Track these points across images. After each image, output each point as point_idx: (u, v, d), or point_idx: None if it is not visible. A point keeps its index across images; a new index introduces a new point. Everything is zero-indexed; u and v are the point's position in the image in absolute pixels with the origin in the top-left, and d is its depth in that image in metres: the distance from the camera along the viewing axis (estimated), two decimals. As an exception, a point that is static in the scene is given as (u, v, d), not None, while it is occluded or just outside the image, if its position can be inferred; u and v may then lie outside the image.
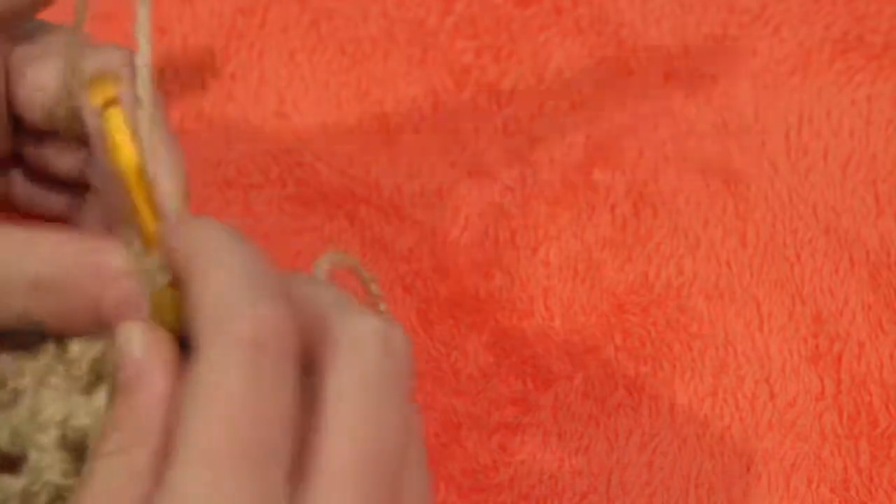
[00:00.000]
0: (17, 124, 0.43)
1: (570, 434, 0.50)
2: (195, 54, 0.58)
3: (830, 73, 0.58)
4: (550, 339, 0.52)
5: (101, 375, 0.36)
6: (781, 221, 0.55)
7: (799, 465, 0.50)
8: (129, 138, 0.36)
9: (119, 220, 0.39)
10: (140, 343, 0.34)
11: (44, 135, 0.44)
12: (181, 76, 0.57)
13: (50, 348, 0.37)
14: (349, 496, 0.32)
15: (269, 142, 0.56)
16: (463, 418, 0.50)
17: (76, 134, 0.42)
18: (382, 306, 0.42)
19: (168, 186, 0.38)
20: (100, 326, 0.36)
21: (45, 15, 0.44)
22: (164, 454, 0.33)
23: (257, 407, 0.32)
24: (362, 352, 0.34)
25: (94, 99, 0.36)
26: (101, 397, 0.36)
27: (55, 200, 0.46)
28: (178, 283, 0.35)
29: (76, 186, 0.45)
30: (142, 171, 0.36)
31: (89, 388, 0.36)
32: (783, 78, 0.58)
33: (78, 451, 0.36)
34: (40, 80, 0.42)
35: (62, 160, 0.44)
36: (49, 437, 0.36)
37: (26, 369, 0.37)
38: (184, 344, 0.35)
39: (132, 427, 0.33)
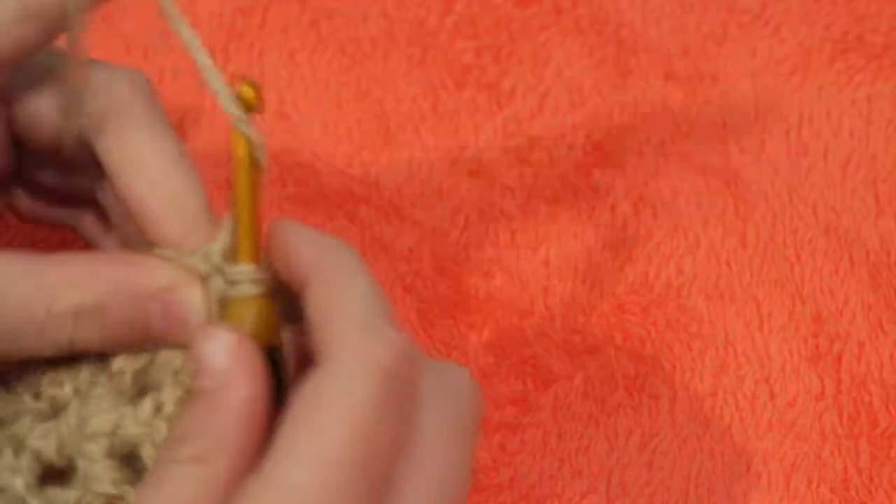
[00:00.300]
0: (19, 145, 0.43)
1: (570, 434, 0.50)
2: (195, 54, 0.58)
3: (830, 73, 0.58)
4: (550, 339, 0.52)
5: (144, 388, 0.36)
6: (781, 221, 0.55)
7: (799, 465, 0.50)
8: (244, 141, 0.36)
9: (135, 244, 0.39)
10: (225, 350, 0.35)
11: (47, 156, 0.43)
12: (181, 76, 0.57)
13: (91, 360, 0.37)
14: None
15: (269, 142, 0.56)
16: (463, 418, 0.50)
17: (80, 157, 0.41)
18: None
19: None
20: (150, 344, 0.36)
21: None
22: (248, 466, 0.33)
23: (379, 429, 0.33)
24: (458, 394, 0.35)
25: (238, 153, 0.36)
26: (147, 408, 0.36)
27: (60, 213, 0.46)
28: (279, 293, 0.36)
29: (82, 201, 0.45)
30: (254, 179, 0.36)
31: (134, 399, 0.36)
32: (783, 78, 0.58)
33: (126, 460, 0.36)
34: (41, 105, 0.41)
35: (67, 180, 0.44)
36: (99, 447, 0.36)
37: (65, 380, 0.37)
38: (270, 356, 0.35)
39: (214, 435, 0.33)
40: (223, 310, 0.36)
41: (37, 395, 0.37)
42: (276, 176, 0.55)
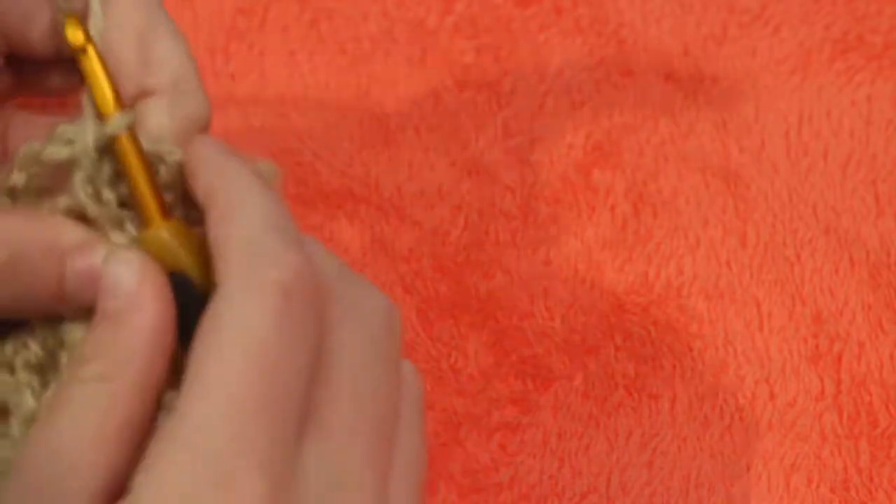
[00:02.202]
0: (13, 56, 0.42)
1: (570, 434, 0.50)
2: (195, 54, 0.58)
3: (830, 73, 0.58)
4: (550, 339, 0.52)
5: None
6: (781, 221, 0.55)
7: (799, 465, 0.50)
8: (107, 90, 0.36)
9: None
10: (131, 272, 0.34)
11: (44, 62, 0.42)
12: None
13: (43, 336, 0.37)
14: (350, 451, 0.33)
15: (269, 142, 0.56)
16: (463, 418, 0.50)
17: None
18: None
19: (166, 119, 0.37)
20: (63, 304, 0.36)
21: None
22: (154, 386, 0.33)
23: (282, 354, 0.32)
24: (370, 317, 0.34)
25: (71, 40, 0.36)
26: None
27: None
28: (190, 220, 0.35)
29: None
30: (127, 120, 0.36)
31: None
32: (783, 78, 0.58)
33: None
34: (31, 6, 0.39)
35: (68, 81, 0.43)
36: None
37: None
38: (185, 283, 0.35)
39: (118, 355, 0.33)
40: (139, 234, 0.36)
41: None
42: (276, 176, 0.55)
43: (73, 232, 0.36)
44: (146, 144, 0.36)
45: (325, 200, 0.55)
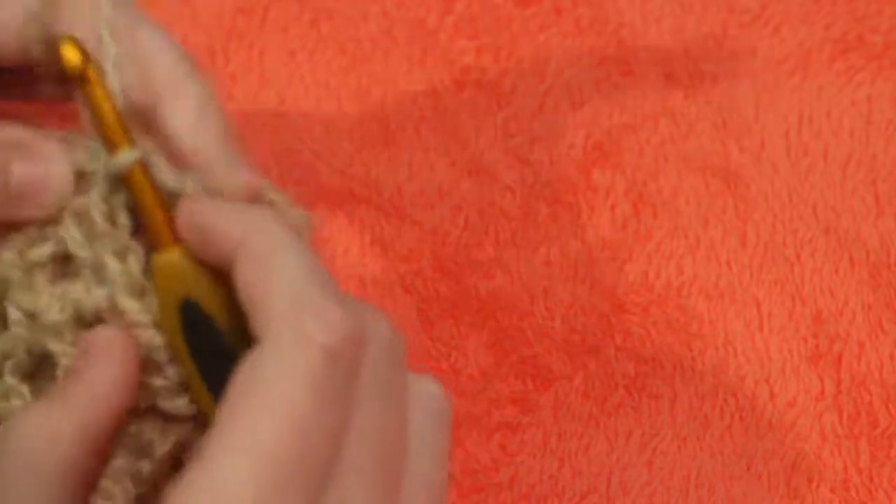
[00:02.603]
0: None
1: (570, 434, 0.50)
2: (195, 54, 0.58)
3: (830, 73, 0.58)
4: (550, 339, 0.52)
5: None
6: (781, 221, 0.55)
7: (799, 465, 0.50)
8: (112, 121, 0.36)
9: None
10: (98, 337, 0.34)
11: (18, 69, 0.41)
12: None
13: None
14: (370, 496, 0.32)
15: (269, 142, 0.56)
16: (463, 418, 0.50)
17: (55, 66, 0.40)
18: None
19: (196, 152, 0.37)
20: (8, 208, 0.36)
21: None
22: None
23: (321, 420, 0.31)
24: (377, 351, 0.33)
25: (69, 64, 0.36)
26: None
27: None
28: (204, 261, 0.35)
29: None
30: (144, 167, 0.36)
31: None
32: (783, 78, 0.58)
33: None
34: (8, 15, 0.38)
35: (42, 90, 0.42)
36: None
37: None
38: (196, 310, 0.34)
39: (69, 397, 0.33)
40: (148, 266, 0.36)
41: None
42: (277, 176, 0.55)
43: (24, 132, 0.35)
44: (165, 177, 0.36)
45: (325, 200, 0.55)
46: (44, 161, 0.36)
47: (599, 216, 0.55)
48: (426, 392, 0.35)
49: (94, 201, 0.36)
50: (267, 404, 0.31)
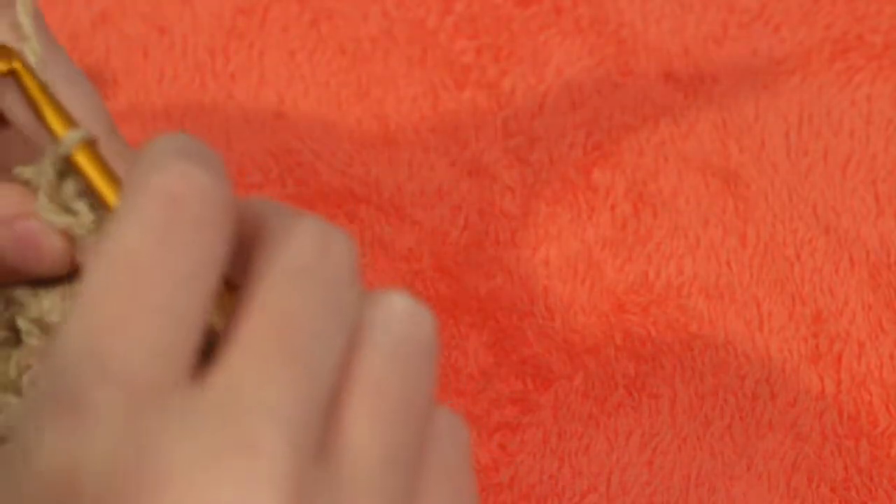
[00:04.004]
0: None
1: (570, 434, 0.50)
2: (195, 54, 0.58)
3: (830, 73, 0.58)
4: (550, 339, 0.52)
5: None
6: (781, 221, 0.55)
7: (799, 465, 0.50)
8: (48, 112, 0.36)
9: None
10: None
11: None
12: (181, 76, 0.57)
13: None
14: (265, 370, 0.29)
15: (269, 142, 0.56)
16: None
17: None
18: None
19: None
20: (4, 275, 0.36)
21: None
22: None
23: (163, 263, 0.29)
24: (296, 243, 0.31)
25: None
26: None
27: None
28: None
29: None
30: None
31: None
32: (783, 78, 0.58)
33: None
34: None
35: None
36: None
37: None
38: None
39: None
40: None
41: None
42: (276, 176, 0.55)
43: (10, 199, 0.35)
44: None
45: (325, 200, 0.55)
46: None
47: (599, 216, 0.55)
48: (456, 423, 0.33)
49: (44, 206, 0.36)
50: (103, 262, 0.29)
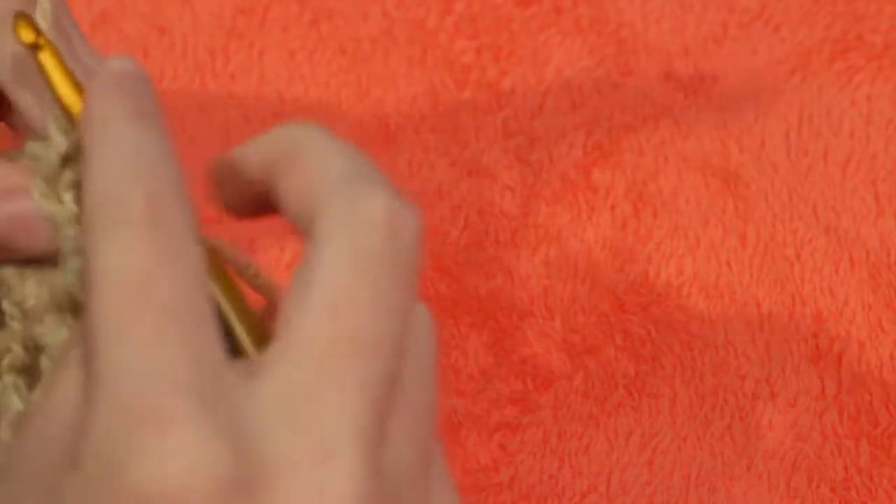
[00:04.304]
0: None
1: (570, 434, 0.50)
2: (195, 54, 0.58)
3: (830, 73, 0.58)
4: (550, 339, 0.52)
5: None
6: (781, 221, 0.55)
7: (799, 465, 0.50)
8: (67, 86, 0.35)
9: None
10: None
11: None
12: (181, 76, 0.57)
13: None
14: (323, 374, 0.29)
15: (269, 142, 0.56)
16: (463, 418, 0.50)
17: None
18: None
19: None
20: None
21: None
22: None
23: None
24: (360, 230, 0.30)
25: (23, 39, 0.36)
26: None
27: None
28: None
29: None
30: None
31: None
32: (783, 78, 0.58)
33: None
34: None
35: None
36: None
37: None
38: None
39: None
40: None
41: None
42: (276, 176, 0.55)
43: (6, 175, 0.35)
44: None
45: (325, 200, 0.55)
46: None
47: (599, 216, 0.55)
48: (420, 309, 0.33)
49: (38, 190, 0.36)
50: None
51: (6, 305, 0.36)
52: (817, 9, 0.60)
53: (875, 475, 0.50)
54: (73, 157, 0.36)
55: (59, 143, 0.35)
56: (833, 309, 0.53)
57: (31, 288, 0.36)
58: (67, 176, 0.36)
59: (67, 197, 0.36)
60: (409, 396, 0.31)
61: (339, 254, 0.30)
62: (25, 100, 0.38)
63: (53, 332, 0.35)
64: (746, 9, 0.60)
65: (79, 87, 0.35)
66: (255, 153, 0.33)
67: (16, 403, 0.36)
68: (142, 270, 0.29)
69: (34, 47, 0.36)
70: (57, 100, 0.36)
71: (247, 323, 0.33)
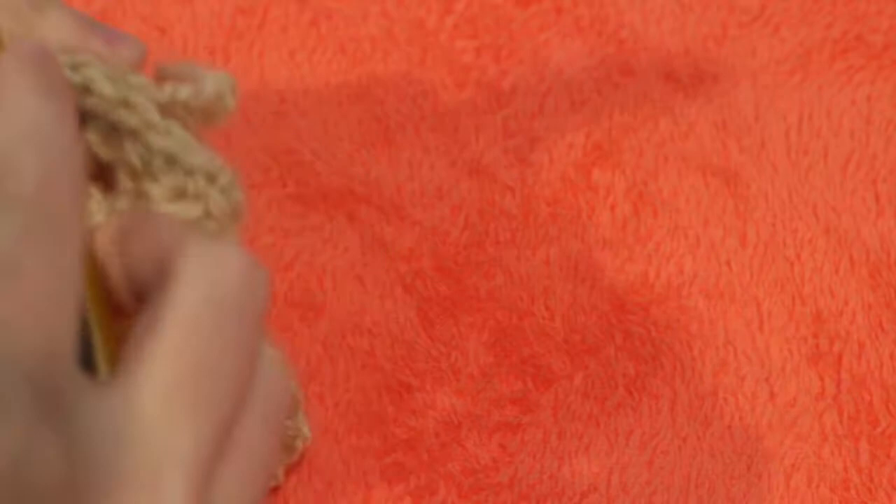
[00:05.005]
0: None
1: (570, 434, 0.50)
2: (195, 54, 0.58)
3: (830, 73, 0.58)
4: (550, 339, 0.52)
5: None
6: (781, 221, 0.55)
7: (799, 465, 0.50)
8: None
9: None
10: None
11: None
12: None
13: None
14: (162, 407, 0.29)
15: (269, 142, 0.56)
16: (463, 418, 0.50)
17: None
18: None
19: None
20: None
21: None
22: None
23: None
24: (217, 274, 0.31)
25: None
26: None
27: None
28: None
29: None
30: None
31: None
32: (783, 78, 0.58)
33: None
34: None
35: None
36: None
37: None
38: None
39: None
40: None
41: None
42: (277, 176, 0.55)
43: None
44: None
45: (325, 200, 0.55)
46: None
47: (599, 216, 0.55)
48: (272, 356, 0.33)
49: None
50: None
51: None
52: (817, 9, 0.60)
53: (875, 475, 0.50)
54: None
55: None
56: (833, 309, 0.53)
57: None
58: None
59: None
60: (246, 441, 0.31)
61: (195, 292, 0.30)
62: None
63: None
64: (746, 9, 0.60)
65: None
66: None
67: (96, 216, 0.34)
68: (9, 256, 0.28)
69: None
70: None
71: (104, 337, 0.32)
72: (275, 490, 0.49)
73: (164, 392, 0.30)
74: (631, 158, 0.56)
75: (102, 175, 0.35)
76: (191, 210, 0.34)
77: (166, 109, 0.35)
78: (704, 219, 0.55)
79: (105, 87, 0.34)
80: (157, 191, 0.34)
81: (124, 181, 0.34)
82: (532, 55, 0.59)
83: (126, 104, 0.34)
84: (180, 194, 0.34)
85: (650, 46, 0.59)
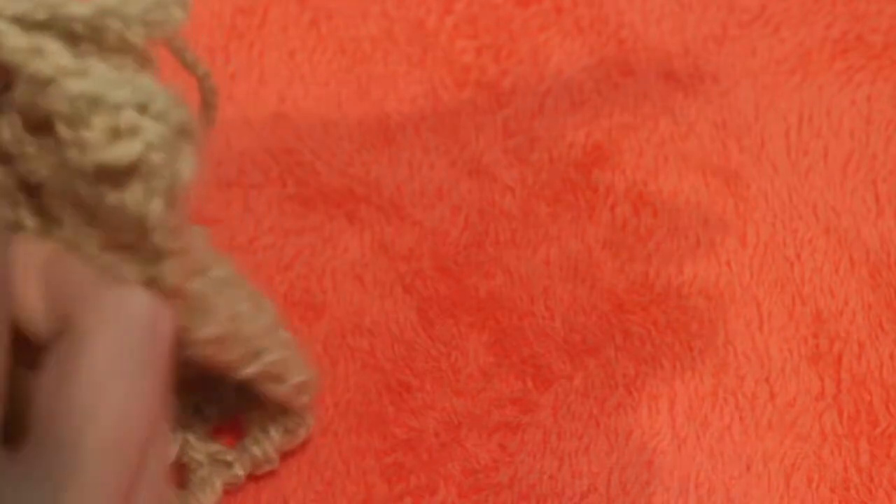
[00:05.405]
0: None
1: (570, 434, 0.50)
2: (195, 54, 0.58)
3: (830, 73, 0.58)
4: (550, 339, 0.52)
5: None
6: (781, 221, 0.55)
7: (799, 465, 0.50)
8: None
9: None
10: None
11: None
12: (181, 76, 0.57)
13: None
14: (72, 477, 0.30)
15: (269, 142, 0.56)
16: (463, 418, 0.50)
17: None
18: (200, 70, 0.39)
19: None
20: None
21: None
22: None
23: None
24: (124, 326, 0.31)
25: None
26: None
27: None
28: None
29: None
30: None
31: None
32: (783, 78, 0.58)
33: None
34: None
35: None
36: None
37: None
38: None
39: None
40: None
41: None
42: (277, 176, 0.55)
43: None
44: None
45: (325, 200, 0.55)
46: None
47: (599, 216, 0.55)
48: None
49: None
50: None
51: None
52: (817, 9, 0.60)
53: (875, 475, 0.50)
54: None
55: None
56: (833, 309, 0.53)
57: None
58: None
59: None
60: (150, 481, 0.31)
61: (104, 349, 0.30)
62: None
63: None
64: (746, 9, 0.60)
65: None
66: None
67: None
68: None
69: None
70: None
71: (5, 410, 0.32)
72: (271, 475, 0.49)
73: (73, 467, 0.29)
74: (631, 158, 0.56)
75: (44, 128, 0.34)
76: (130, 148, 0.33)
77: (96, 27, 0.34)
78: (704, 219, 0.55)
79: (9, 39, 0.33)
80: (92, 136, 0.33)
81: (63, 131, 0.33)
82: (532, 55, 0.59)
83: (39, 52, 0.33)
84: (115, 134, 0.33)
85: (650, 46, 0.59)
